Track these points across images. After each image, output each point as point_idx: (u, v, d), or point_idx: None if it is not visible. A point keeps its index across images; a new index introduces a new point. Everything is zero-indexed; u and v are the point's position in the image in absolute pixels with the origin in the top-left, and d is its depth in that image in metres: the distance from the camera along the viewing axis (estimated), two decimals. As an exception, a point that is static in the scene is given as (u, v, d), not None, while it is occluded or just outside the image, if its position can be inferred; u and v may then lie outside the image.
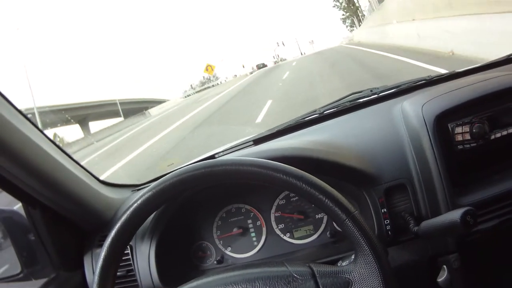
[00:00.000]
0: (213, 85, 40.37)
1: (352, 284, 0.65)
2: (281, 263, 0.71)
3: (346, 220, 0.66)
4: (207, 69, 36.72)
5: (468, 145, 0.91)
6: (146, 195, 0.74)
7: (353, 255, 0.75)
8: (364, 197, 0.91)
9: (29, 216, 1.01)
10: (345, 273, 0.66)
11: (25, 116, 0.92)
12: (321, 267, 0.68)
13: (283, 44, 66.01)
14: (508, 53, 1.20)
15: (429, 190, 0.88)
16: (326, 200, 0.66)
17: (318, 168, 0.89)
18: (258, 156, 0.87)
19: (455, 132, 0.91)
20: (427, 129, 0.89)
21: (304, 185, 0.67)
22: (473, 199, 0.87)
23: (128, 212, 0.74)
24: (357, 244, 0.66)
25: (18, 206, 1.04)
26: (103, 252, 0.75)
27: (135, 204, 0.75)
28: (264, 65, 51.79)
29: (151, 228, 0.97)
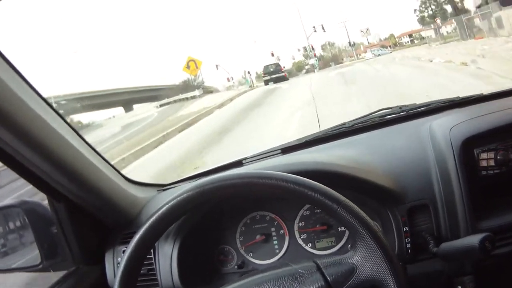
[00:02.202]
0: (186, 98, 23.69)
1: (356, 268, 0.68)
2: (286, 264, 0.74)
3: (338, 209, 0.69)
4: (188, 66, 22.11)
5: (491, 171, 0.93)
6: (178, 199, 0.76)
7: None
8: (387, 215, 0.93)
9: (53, 209, 1.03)
10: (348, 259, 0.69)
11: (56, 111, 0.93)
12: (325, 258, 0.72)
13: (322, 28, 41.62)
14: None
15: (451, 212, 0.90)
16: (316, 195, 0.70)
17: (344, 183, 0.91)
18: (287, 169, 0.89)
19: (480, 158, 0.93)
20: (454, 153, 0.91)
21: (292, 185, 0.70)
22: (493, 224, 0.89)
23: (158, 214, 0.76)
24: (353, 230, 0.69)
25: (42, 199, 1.06)
26: (128, 250, 0.77)
27: (165, 207, 0.77)
28: (276, 70, 26.27)
29: (176, 230, 0.99)
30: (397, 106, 1.23)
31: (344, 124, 1.22)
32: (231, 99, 17.24)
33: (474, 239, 0.72)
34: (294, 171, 0.79)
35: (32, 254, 1.07)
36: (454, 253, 0.82)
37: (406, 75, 11.08)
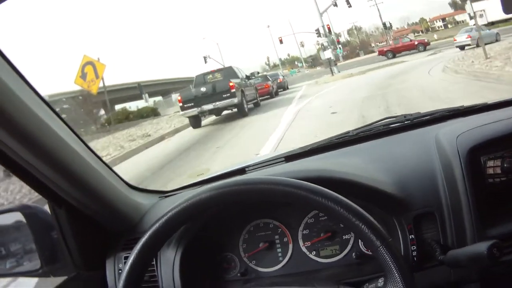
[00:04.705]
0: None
1: None
2: (310, 283, 0.73)
3: (380, 247, 0.69)
4: (82, 74, 11.32)
5: (498, 179, 0.93)
6: (181, 206, 0.76)
7: (381, 279, 0.78)
8: (393, 222, 0.92)
9: (54, 214, 1.02)
10: None
11: (58, 114, 0.92)
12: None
13: (347, 3, 27.71)
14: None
15: (457, 220, 0.90)
16: (363, 226, 0.70)
17: (350, 191, 0.91)
18: (293, 176, 0.88)
19: (487, 166, 0.93)
20: (460, 161, 0.90)
21: (341, 209, 0.71)
22: (499, 232, 0.88)
23: (164, 219, 0.77)
24: (388, 271, 0.69)
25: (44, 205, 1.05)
26: (132, 257, 0.77)
27: (169, 214, 0.77)
28: (216, 91, 10.39)
29: (178, 237, 0.98)
30: (402, 114, 1.23)
31: (348, 132, 1.22)
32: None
33: (481, 246, 0.71)
34: (299, 178, 0.78)
35: (32, 259, 1.06)
36: (461, 260, 0.81)
37: None
